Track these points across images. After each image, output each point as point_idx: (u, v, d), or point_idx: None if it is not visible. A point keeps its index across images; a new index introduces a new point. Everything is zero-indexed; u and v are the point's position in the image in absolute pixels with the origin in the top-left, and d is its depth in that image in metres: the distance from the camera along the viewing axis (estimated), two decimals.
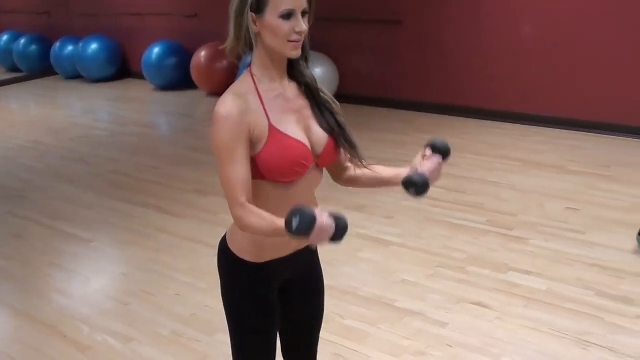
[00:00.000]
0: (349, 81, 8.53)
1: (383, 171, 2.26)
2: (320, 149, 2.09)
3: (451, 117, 7.76)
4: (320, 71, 8.21)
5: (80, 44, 11.07)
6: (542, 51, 7.17)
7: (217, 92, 9.31)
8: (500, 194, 5.47)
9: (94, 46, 10.97)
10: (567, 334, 3.56)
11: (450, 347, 3.52)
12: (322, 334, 2.49)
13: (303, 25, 1.95)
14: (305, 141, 2.05)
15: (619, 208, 5.08)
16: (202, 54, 9.50)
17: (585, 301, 3.85)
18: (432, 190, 5.58)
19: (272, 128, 1.99)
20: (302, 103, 2.10)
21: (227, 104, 1.96)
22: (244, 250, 2.13)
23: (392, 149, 6.76)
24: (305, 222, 1.77)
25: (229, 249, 2.18)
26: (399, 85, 8.33)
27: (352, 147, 2.15)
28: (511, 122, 7.36)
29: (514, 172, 5.96)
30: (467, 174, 5.95)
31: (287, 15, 1.92)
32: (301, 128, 2.06)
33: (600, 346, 3.45)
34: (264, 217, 1.93)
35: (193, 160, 6.99)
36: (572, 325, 3.64)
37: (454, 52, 7.82)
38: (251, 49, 2.02)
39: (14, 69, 12.59)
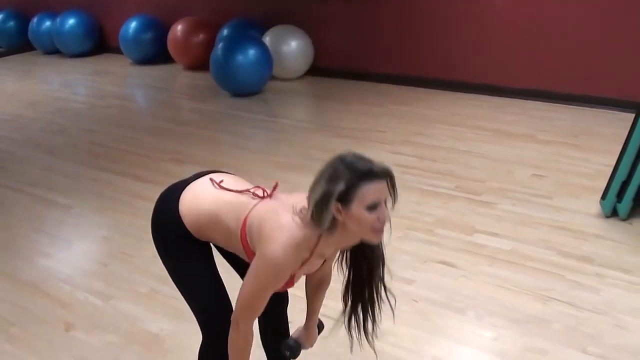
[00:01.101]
0: (324, 55, 8.64)
1: (311, 305, 2.63)
2: (306, 273, 2.36)
3: (425, 89, 7.88)
4: (296, 44, 8.32)
5: (58, 19, 11.05)
6: (514, 23, 7.31)
7: (194, 65, 9.46)
8: (470, 162, 5.63)
9: (71, 21, 10.96)
10: (529, 291, 3.73)
11: (416, 302, 3.68)
12: (294, 291, 2.63)
13: (386, 214, 2.06)
14: (300, 278, 2.34)
15: (585, 174, 5.25)
16: (179, 28, 9.55)
17: (547, 260, 4.03)
18: (404, 159, 5.79)
19: (291, 276, 2.21)
20: (331, 254, 2.31)
21: (288, 256, 2.09)
22: (192, 224, 2.35)
23: (365, 119, 6.92)
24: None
25: (177, 212, 2.39)
26: (374, 58, 8.44)
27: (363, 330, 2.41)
28: (485, 94, 7.50)
29: (485, 141, 6.11)
30: (439, 144, 6.11)
31: (373, 207, 2.02)
32: (305, 270, 2.27)
33: (560, 301, 3.62)
34: (244, 356, 2.30)
35: (170, 131, 7.09)
36: (534, 282, 3.81)
37: (428, 25, 7.93)
38: (325, 228, 2.08)
39: None
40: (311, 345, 2.66)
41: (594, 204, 4.68)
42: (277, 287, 2.18)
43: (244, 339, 2.25)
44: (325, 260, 2.33)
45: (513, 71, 7.43)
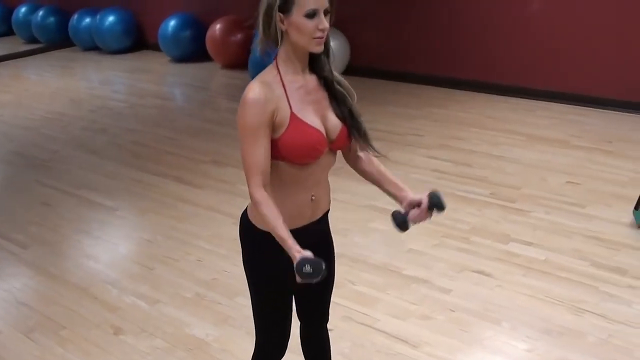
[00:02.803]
0: (360, 54, 8.73)
1: (386, 181, 2.48)
2: (334, 135, 2.32)
3: (459, 90, 7.97)
4: (333, 44, 8.39)
5: (98, 16, 11.28)
6: (549, 27, 7.36)
7: (232, 64, 9.59)
8: (504, 168, 5.71)
9: (110, 18, 11.19)
10: (562, 301, 3.82)
11: (453, 311, 3.80)
12: (334, 298, 2.76)
13: (325, 23, 2.16)
14: (321, 128, 2.28)
15: (618, 182, 5.31)
16: (217, 27, 9.71)
17: (580, 271, 4.11)
18: (439, 163, 5.87)
19: (292, 115, 2.23)
20: (321, 94, 2.33)
21: (255, 90, 2.18)
22: (263, 223, 2.32)
23: (401, 122, 7.02)
24: (317, 272, 2.06)
25: (249, 220, 2.42)
26: (409, 59, 8.52)
27: (362, 136, 2.37)
28: (518, 97, 7.57)
29: (518, 146, 6.19)
30: (473, 148, 6.20)
31: (311, 15, 2.14)
32: (318, 116, 2.29)
33: (593, 313, 3.71)
34: (276, 220, 2.18)
35: (209, 131, 7.25)
36: (567, 293, 3.90)
37: (464, 27, 8.00)
38: (277, 44, 2.24)
39: (32, 40, 12.79)
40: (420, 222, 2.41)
41: (626, 213, 4.74)
42: (263, 128, 2.17)
43: (266, 206, 2.20)
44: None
45: (546, 74, 7.48)
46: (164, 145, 6.92)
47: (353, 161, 2.52)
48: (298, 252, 2.11)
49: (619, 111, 6.94)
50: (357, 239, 4.62)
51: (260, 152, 2.20)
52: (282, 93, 2.23)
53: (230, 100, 8.60)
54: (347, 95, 2.36)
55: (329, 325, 2.82)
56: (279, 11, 2.16)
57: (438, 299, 3.92)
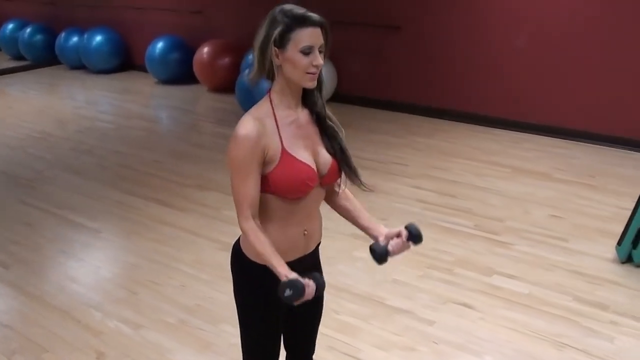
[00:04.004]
0: (346, 82, 8.78)
1: (361, 217, 2.51)
2: (325, 170, 2.35)
3: (444, 120, 8.05)
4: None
5: (85, 35, 11.31)
6: (534, 60, 7.44)
7: (219, 88, 9.63)
8: (488, 199, 5.75)
9: (98, 38, 11.20)
10: (544, 336, 3.84)
11: (436, 344, 3.80)
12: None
13: (320, 59, 2.20)
14: (312, 164, 2.31)
15: (601, 217, 5.36)
16: (205, 50, 9.75)
17: (563, 305, 4.14)
18: (424, 194, 5.89)
19: (284, 151, 2.25)
20: (312, 129, 2.36)
21: (247, 126, 2.21)
22: (254, 254, 2.35)
23: (385, 150, 7.06)
24: (297, 293, 2.14)
25: (241, 251, 2.42)
26: (395, 88, 8.60)
27: (352, 171, 2.41)
28: (502, 129, 7.65)
29: (502, 178, 6.24)
30: (458, 179, 6.24)
31: (307, 51, 2.17)
32: (309, 152, 2.32)
33: (575, 348, 3.73)
34: (265, 247, 2.23)
35: (194, 155, 7.26)
36: (550, 327, 3.92)
37: (450, 58, 8.08)
38: (271, 78, 2.27)
39: (18, 57, 12.78)
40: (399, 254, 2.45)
41: (609, 248, 4.79)
42: (254, 164, 2.20)
43: (254, 235, 2.24)
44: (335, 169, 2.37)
45: (530, 106, 7.56)
46: (148, 167, 6.91)
47: (329, 196, 2.52)
48: (285, 277, 2.16)
49: (604, 145, 7.02)
50: (341, 267, 4.63)
51: (250, 187, 2.23)
52: (274, 128, 2.25)
53: (216, 124, 8.61)
54: (337, 131, 2.39)
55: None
56: (275, 46, 2.19)
57: (421, 331, 3.93)
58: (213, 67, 9.67)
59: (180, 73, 10.40)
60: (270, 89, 2.31)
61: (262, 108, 2.28)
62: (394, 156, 6.90)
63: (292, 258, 2.35)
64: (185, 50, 10.34)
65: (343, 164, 2.39)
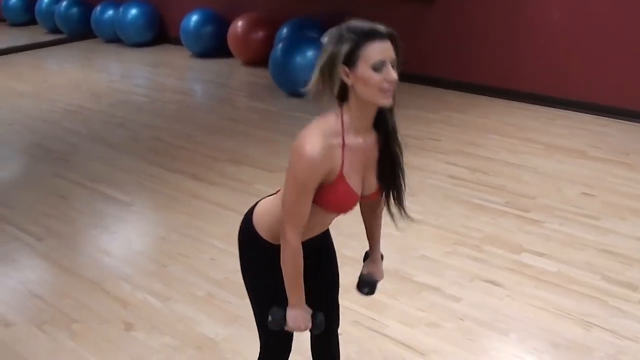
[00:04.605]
0: None
1: (370, 233, 2.69)
2: (368, 192, 2.33)
3: (480, 96, 7.97)
4: None
5: (120, 9, 11.39)
6: (572, 36, 7.32)
7: (253, 61, 9.64)
8: (521, 176, 5.70)
9: (133, 11, 11.28)
10: (571, 315, 3.81)
11: (462, 320, 3.80)
12: (344, 302, 2.79)
13: (393, 74, 2.08)
14: (359, 191, 2.28)
15: (635, 196, 5.28)
16: (239, 24, 9.76)
17: (591, 284, 4.10)
18: (456, 170, 5.89)
19: (341, 176, 2.19)
20: (373, 154, 2.28)
21: (315, 145, 2.09)
22: (266, 231, 2.39)
23: (419, 126, 7.03)
24: (275, 320, 2.37)
25: (254, 228, 2.43)
26: (430, 63, 8.51)
27: (399, 202, 2.38)
28: (539, 105, 7.55)
29: (537, 155, 6.17)
30: (491, 155, 6.19)
31: (379, 66, 2.05)
32: (360, 176, 2.27)
33: (602, 327, 3.70)
34: (295, 270, 2.29)
35: (227, 129, 7.29)
36: (578, 306, 3.89)
37: (485, 33, 7.99)
38: (341, 99, 2.17)
39: (55, 30, 12.91)
40: (382, 277, 2.74)
41: None
42: (313, 184, 2.16)
43: (292, 251, 2.25)
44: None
45: (567, 82, 7.45)
46: (181, 141, 6.96)
47: (364, 204, 2.56)
48: (290, 304, 2.35)
49: (638, 123, 6.90)
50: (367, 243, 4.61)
51: (305, 204, 2.19)
52: (340, 151, 2.16)
53: (249, 98, 8.63)
54: (400, 157, 2.32)
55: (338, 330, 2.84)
56: (344, 65, 2.08)
57: (447, 307, 3.93)
58: (247, 40, 9.68)
59: (214, 46, 10.42)
60: (341, 109, 2.19)
61: (331, 123, 2.17)
62: (428, 132, 6.86)
63: (305, 238, 2.34)
64: (219, 23, 10.36)
65: (392, 190, 2.36)
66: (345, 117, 2.16)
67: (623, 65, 7.02)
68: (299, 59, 7.82)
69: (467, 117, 7.32)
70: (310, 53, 7.84)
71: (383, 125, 2.24)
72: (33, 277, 4.50)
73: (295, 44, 8.04)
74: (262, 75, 9.04)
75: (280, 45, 8.11)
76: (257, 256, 2.47)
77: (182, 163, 6.32)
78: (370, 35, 2.06)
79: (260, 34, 9.58)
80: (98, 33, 12.09)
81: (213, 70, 9.96)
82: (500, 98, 7.83)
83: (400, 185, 2.35)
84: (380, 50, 2.06)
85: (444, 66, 8.42)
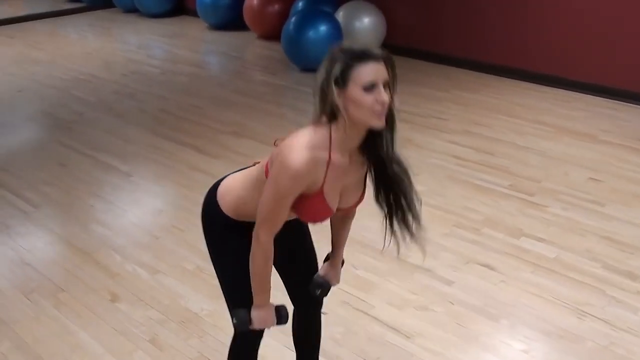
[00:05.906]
0: (396, 32, 8.59)
1: (336, 238, 2.68)
2: (343, 207, 2.32)
3: (491, 75, 7.78)
4: (369, 21, 8.32)
5: None
6: (586, 17, 7.14)
7: (268, 35, 9.54)
8: (527, 159, 5.57)
9: None
10: (565, 302, 3.72)
11: (452, 304, 3.72)
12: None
13: (385, 95, 2.02)
14: (335, 206, 2.27)
15: None
16: None
17: (590, 272, 4.00)
18: (461, 150, 5.77)
19: (320, 193, 2.17)
20: (358, 173, 2.28)
21: (301, 160, 2.07)
22: (229, 208, 2.41)
23: (427, 104, 6.89)
24: (240, 322, 2.41)
25: (217, 204, 2.44)
26: (442, 40, 8.36)
27: (406, 229, 2.32)
28: (551, 86, 7.38)
29: (545, 137, 6.03)
30: (498, 136, 6.06)
31: (369, 87, 2.01)
32: (338, 193, 2.25)
33: (596, 317, 3.60)
34: (264, 271, 2.30)
35: (234, 102, 7.21)
36: (573, 294, 3.79)
37: (499, 11, 7.80)
38: (333, 119, 2.12)
39: None
40: (338, 282, 2.73)
41: None
42: (293, 196, 2.15)
43: (264, 253, 2.26)
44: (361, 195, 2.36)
45: (581, 64, 7.26)
46: (187, 113, 6.89)
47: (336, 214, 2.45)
48: (255, 304, 2.38)
49: None
50: (365, 222, 4.51)
51: (282, 213, 2.20)
52: (324, 168, 2.14)
53: (262, 71, 8.54)
54: (404, 179, 2.26)
55: (324, 309, 2.83)
56: (336, 85, 2.05)
57: (439, 290, 3.85)
58: (262, 14, 9.56)
59: (230, 19, 10.31)
60: (330, 120, 2.14)
61: (320, 139, 2.13)
62: (435, 110, 6.74)
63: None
64: None
65: (395, 218, 2.31)
66: (334, 135, 2.13)
67: (638, 48, 6.86)
68: (311, 33, 7.71)
69: (477, 97, 7.18)
70: (323, 28, 7.73)
71: (374, 147, 2.19)
72: (26, 245, 4.48)
73: (307, 18, 7.92)
74: (276, 49, 8.93)
75: (292, 19, 7.99)
76: (221, 228, 2.47)
77: (186, 135, 6.26)
78: (362, 57, 2.03)
79: (275, 7, 9.46)
80: (117, 3, 12.03)
81: (228, 43, 9.86)
82: (512, 78, 7.65)
83: (405, 208, 2.29)
84: (371, 72, 2.02)
85: (457, 44, 8.25)
